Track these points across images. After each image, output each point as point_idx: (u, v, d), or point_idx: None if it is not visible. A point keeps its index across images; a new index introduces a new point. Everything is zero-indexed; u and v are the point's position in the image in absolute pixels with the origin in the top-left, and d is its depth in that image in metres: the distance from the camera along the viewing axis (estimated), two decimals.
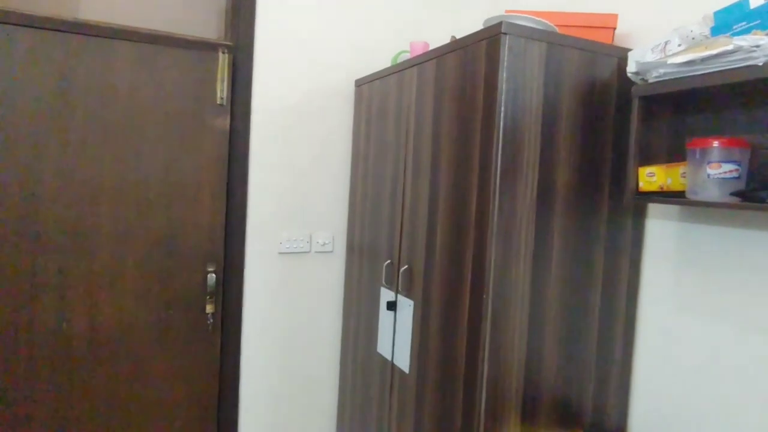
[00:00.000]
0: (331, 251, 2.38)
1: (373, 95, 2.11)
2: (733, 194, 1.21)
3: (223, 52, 2.10)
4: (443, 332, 1.59)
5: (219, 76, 2.11)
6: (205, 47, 2.09)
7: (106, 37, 1.94)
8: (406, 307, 1.80)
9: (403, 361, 1.82)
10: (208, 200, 2.13)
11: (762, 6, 1.13)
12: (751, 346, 1.32)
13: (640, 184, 1.39)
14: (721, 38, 1.17)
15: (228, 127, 2.14)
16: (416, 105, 1.77)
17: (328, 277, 2.39)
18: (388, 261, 1.93)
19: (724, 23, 1.22)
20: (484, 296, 1.40)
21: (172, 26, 2.11)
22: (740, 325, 1.34)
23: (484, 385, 1.42)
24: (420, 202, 1.73)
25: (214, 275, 2.13)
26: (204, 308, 2.15)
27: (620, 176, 1.56)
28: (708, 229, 1.44)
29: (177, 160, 2.07)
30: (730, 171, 1.22)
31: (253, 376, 2.27)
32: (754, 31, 1.13)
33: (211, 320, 2.16)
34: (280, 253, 2.27)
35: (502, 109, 1.37)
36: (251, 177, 2.19)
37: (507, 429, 1.46)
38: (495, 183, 1.38)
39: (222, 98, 2.12)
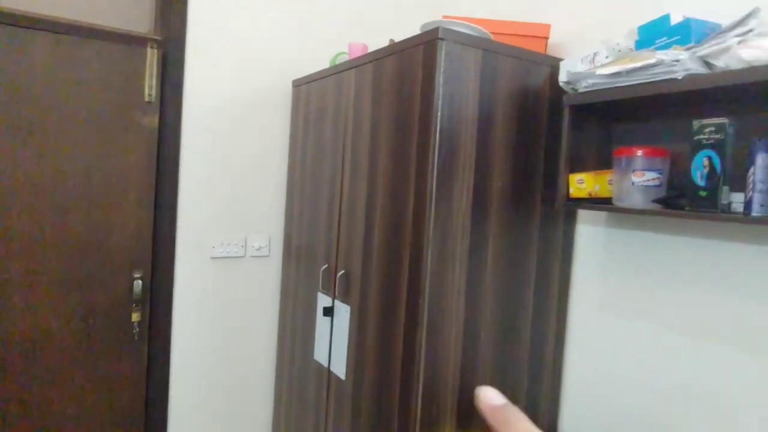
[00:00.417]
0: (267, 256, 2.31)
1: (311, 96, 2.07)
2: (655, 201, 1.26)
3: (152, 47, 2.00)
4: (380, 337, 1.57)
5: (147, 71, 2.00)
6: (132, 41, 1.97)
7: (21, 26, 1.80)
8: (343, 312, 1.77)
9: (339, 367, 1.78)
10: (134, 202, 2.01)
11: (681, 23, 1.19)
12: (670, 344, 1.38)
13: (571, 190, 1.44)
14: (645, 52, 1.22)
15: (157, 125, 2.04)
16: (354, 107, 1.75)
17: (264, 283, 2.32)
18: (326, 265, 1.90)
19: (647, 38, 1.28)
20: (420, 300, 1.40)
21: (97, 17, 1.98)
22: (662, 324, 1.41)
23: (420, 389, 1.41)
24: (357, 205, 1.71)
25: (140, 282, 2.02)
26: (129, 317, 2.03)
27: (552, 182, 1.60)
28: (633, 234, 1.50)
29: (101, 159, 1.95)
30: (653, 179, 1.28)
31: (183, 387, 2.16)
32: (674, 46, 1.18)
33: (137, 329, 2.05)
34: (212, 257, 2.18)
35: (439, 113, 1.37)
36: (182, 178, 2.09)
37: None
38: (431, 187, 1.38)
39: (151, 95, 2.01)
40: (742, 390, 1.23)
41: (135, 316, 2.02)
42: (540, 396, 1.65)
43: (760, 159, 1.02)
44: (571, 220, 1.67)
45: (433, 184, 1.38)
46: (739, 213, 1.08)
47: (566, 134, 1.43)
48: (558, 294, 1.66)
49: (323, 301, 1.90)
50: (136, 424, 2.09)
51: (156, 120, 2.03)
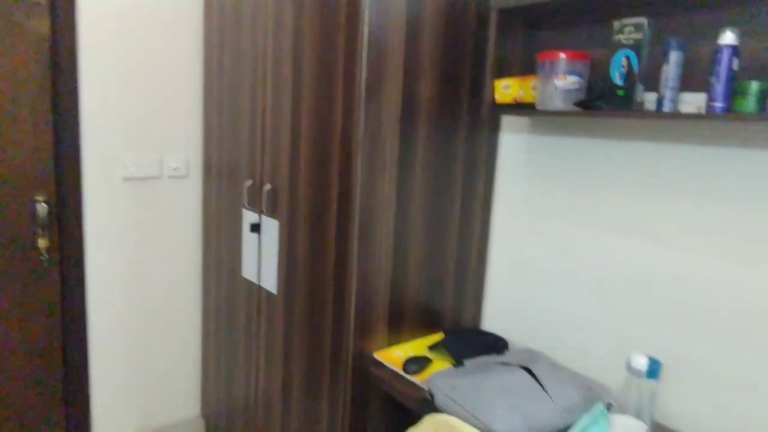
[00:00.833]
0: (186, 176, 2.20)
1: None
2: (576, 104, 1.31)
3: None
4: (311, 250, 1.57)
5: None
6: None
7: None
8: (271, 228, 1.74)
9: (270, 282, 1.78)
10: (27, 117, 1.81)
11: None
12: (588, 241, 1.49)
13: (496, 96, 1.45)
14: None
15: (48, 29, 1.81)
16: (274, 11, 1.63)
17: (184, 203, 2.22)
18: (250, 181, 1.84)
19: None
20: (352, 210, 1.40)
21: None
22: (581, 224, 1.51)
23: (353, 298, 1.44)
24: (282, 116, 1.64)
25: (44, 205, 1.86)
26: (35, 243, 1.88)
27: (478, 90, 1.61)
28: (554, 139, 1.56)
29: None
30: (574, 83, 1.32)
31: (102, 314, 2.07)
32: None
33: (46, 256, 1.91)
34: (125, 178, 2.04)
35: (366, 17, 1.31)
36: (83, 90, 1.89)
37: (375, 339, 1.52)
38: (361, 93, 1.34)
39: None
40: (657, 279, 1.36)
41: (42, 242, 1.87)
42: (465, 295, 1.74)
43: (673, 57, 1.08)
44: (495, 127, 1.70)
45: (362, 90, 1.34)
46: (651, 111, 1.14)
47: (493, 38, 1.42)
48: (483, 199, 1.72)
49: (249, 217, 1.86)
50: (54, 354, 1.99)
51: (47, 24, 1.80)
